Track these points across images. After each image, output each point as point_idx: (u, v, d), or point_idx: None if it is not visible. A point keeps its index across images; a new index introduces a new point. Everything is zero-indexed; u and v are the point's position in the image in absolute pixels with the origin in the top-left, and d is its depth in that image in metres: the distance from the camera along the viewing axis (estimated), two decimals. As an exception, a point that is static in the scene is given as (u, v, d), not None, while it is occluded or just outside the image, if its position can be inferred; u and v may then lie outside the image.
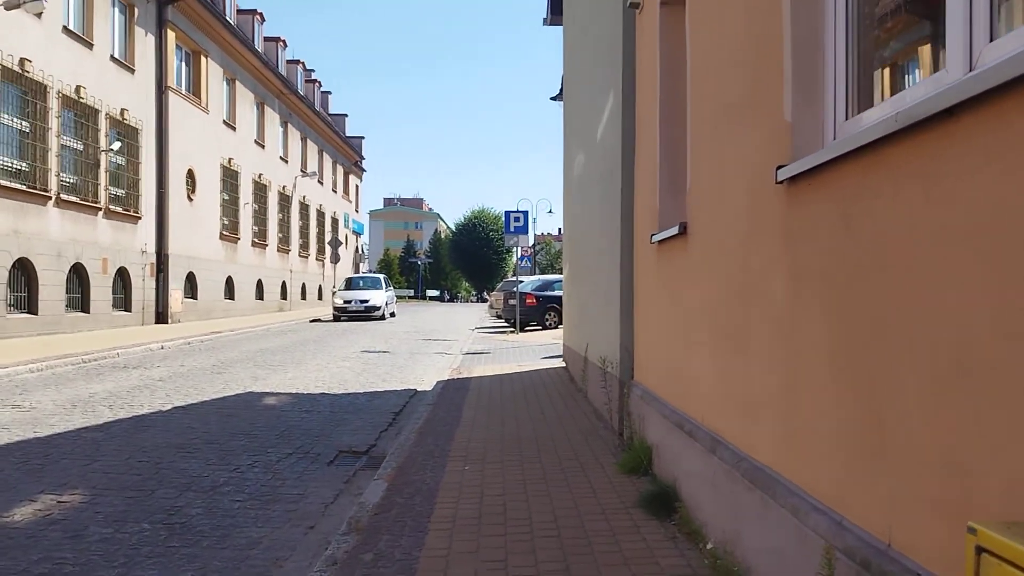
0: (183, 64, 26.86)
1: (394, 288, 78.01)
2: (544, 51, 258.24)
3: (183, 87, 26.53)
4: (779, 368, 3.35)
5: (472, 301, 75.54)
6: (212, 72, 28.43)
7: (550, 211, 55.90)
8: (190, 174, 26.45)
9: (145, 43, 23.71)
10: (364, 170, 58.01)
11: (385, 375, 12.83)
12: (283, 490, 5.86)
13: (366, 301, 31.03)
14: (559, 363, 13.87)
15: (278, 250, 36.06)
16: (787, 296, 3.25)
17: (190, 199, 26.41)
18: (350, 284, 33.97)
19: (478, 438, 7.23)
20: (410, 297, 72.47)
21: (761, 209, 3.52)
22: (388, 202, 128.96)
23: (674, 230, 5.10)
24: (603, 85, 8.23)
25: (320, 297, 43.35)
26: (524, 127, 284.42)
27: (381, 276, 35.64)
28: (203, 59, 27.73)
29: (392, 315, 33.83)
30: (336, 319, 30.70)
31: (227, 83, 30.31)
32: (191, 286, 26.68)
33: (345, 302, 31.03)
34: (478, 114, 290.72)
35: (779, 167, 3.23)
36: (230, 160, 29.89)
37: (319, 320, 30.58)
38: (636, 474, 5.66)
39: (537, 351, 16.90)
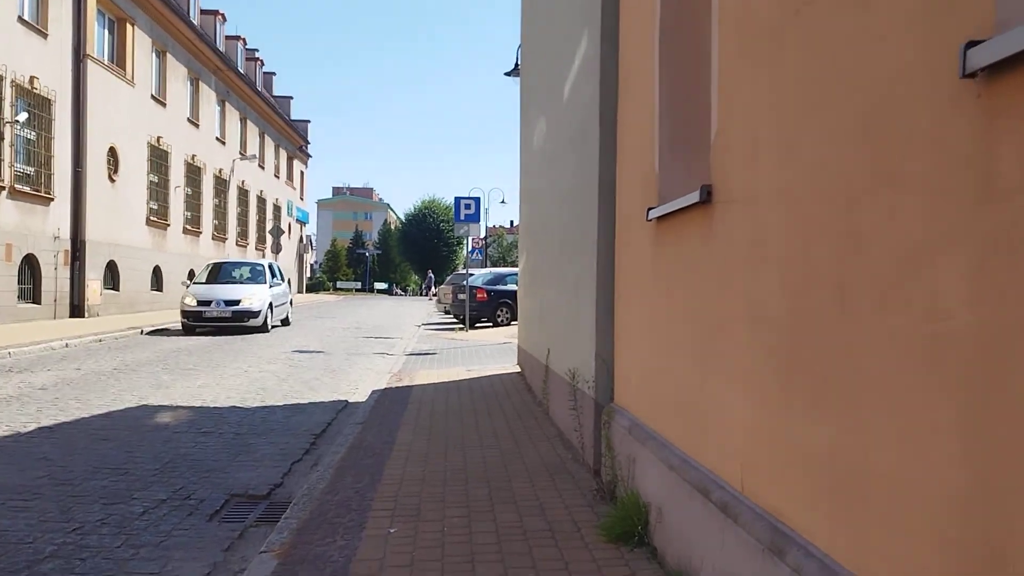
0: (106, 31, 24.58)
1: (342, 280, 75.63)
2: (499, 31, 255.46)
3: (105, 57, 24.27)
4: (944, 435, 1.78)
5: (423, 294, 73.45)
6: (140, 42, 26.15)
7: (503, 201, 54.05)
8: (112, 152, 24.21)
9: (61, 6, 21.43)
10: (309, 155, 55.62)
11: (313, 382, 11.09)
12: (133, 565, 4.15)
13: (235, 302, 19.54)
14: (513, 367, 12.28)
15: (213, 238, 33.83)
16: (976, 300, 1.68)
17: (112, 180, 24.18)
18: (215, 274, 21.71)
19: (413, 476, 5.58)
20: (357, 290, 70.09)
21: (910, 134, 1.93)
22: (337, 191, 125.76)
23: (690, 199, 3.51)
24: (573, 27, 6.62)
25: (260, 288, 41.11)
26: (479, 115, 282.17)
27: (267, 263, 22.96)
28: (129, 27, 25.46)
29: (284, 322, 22.56)
30: (187, 330, 19.37)
31: (157, 55, 28.03)
32: (112, 276, 24.49)
33: (200, 303, 19.52)
34: (432, 103, 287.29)
35: (969, 44, 1.65)
36: (159, 139, 27.64)
37: (164, 331, 19.50)
38: (627, 544, 4.06)
39: (488, 352, 15.29)
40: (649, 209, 4.28)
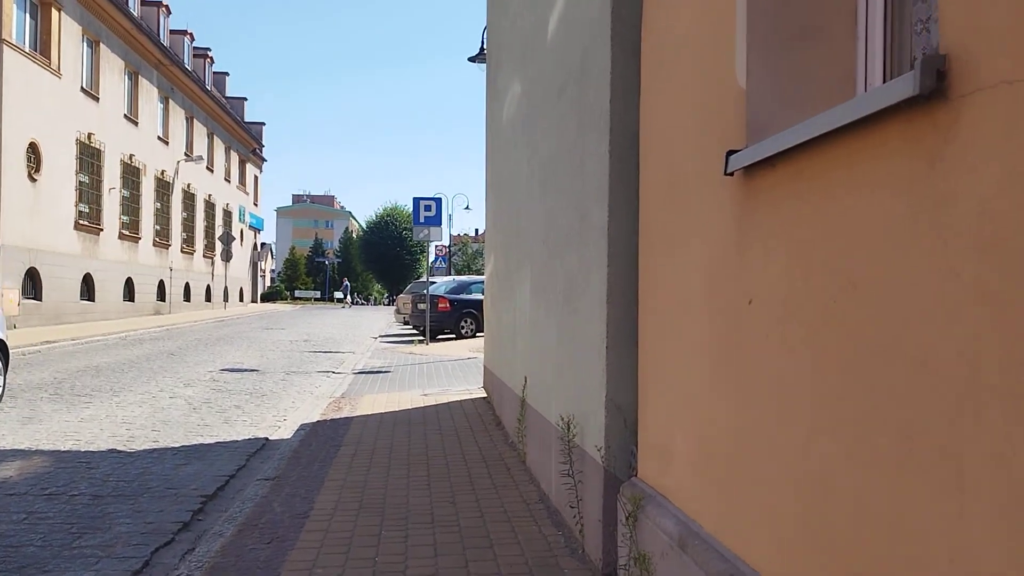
0: (27, 16, 22.19)
1: (301, 289, 72.32)
2: (462, 26, 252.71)
3: (26, 43, 21.90)
4: None
5: (385, 304, 70.88)
6: (67, 29, 23.81)
7: (467, 207, 52.07)
8: (33, 148, 21.82)
9: (-29, -16, 19.16)
10: (264, 159, 53.09)
11: (232, 411, 9.03)
12: None
13: None
14: (478, 389, 10.34)
15: (155, 244, 31.40)
16: None
17: (33, 179, 21.79)
18: None
19: (323, 587, 3.61)
20: (316, 299, 67.39)
21: None
22: (297, 199, 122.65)
23: (872, 103, 1.62)
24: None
25: (208, 299, 38.62)
26: (443, 118, 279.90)
27: None
28: (55, 12, 23.11)
29: None
30: None
31: (88, 45, 25.69)
32: (33, 284, 22.08)
33: None
34: (396, 108, 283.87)
35: None
36: (90, 136, 25.27)
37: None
38: None
39: (449, 370, 13.32)
40: (729, 155, 2.39)
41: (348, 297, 55.81)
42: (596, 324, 3.84)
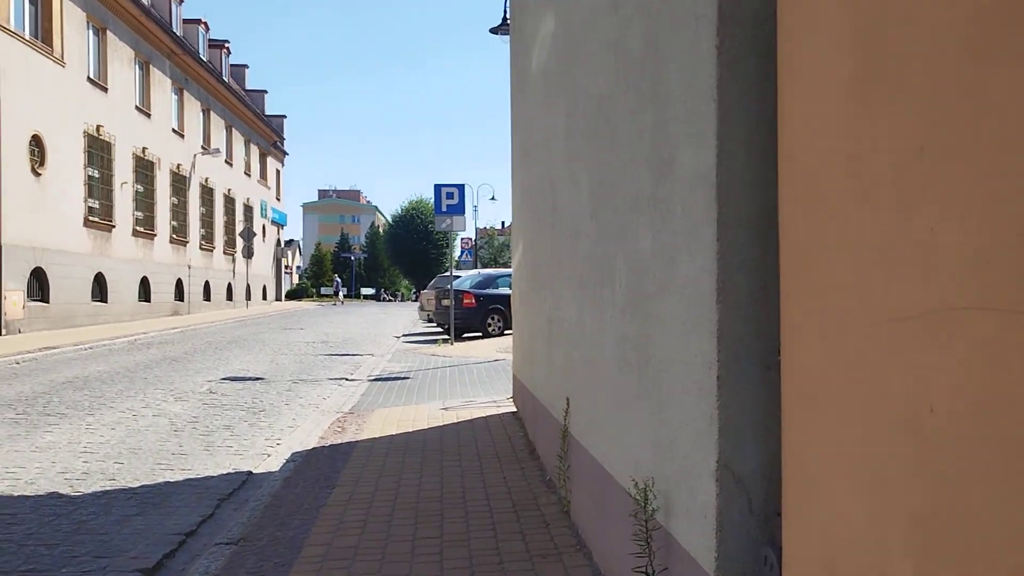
0: (26, 1, 21.04)
1: (327, 286, 70.94)
2: (485, 21, 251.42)
3: (26, 30, 20.76)
4: None
5: (412, 300, 69.48)
6: (70, 16, 22.63)
7: (492, 198, 50.48)
8: (36, 141, 20.68)
9: (-36, -32, 18.01)
10: (286, 152, 51.96)
11: (218, 434, 7.64)
12: None
13: None
14: (506, 401, 8.89)
15: (171, 241, 30.28)
16: None
17: (37, 173, 20.65)
18: None
19: None
20: (345, 296, 66.26)
21: None
22: (323, 194, 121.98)
23: None
24: None
25: (229, 298, 37.54)
26: (469, 108, 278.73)
27: None
28: (56, -1, 21.97)
29: None
30: None
31: (95, 32, 24.54)
32: (40, 285, 20.97)
33: None
34: (421, 101, 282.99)
35: None
36: (99, 128, 24.11)
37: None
38: None
39: (475, 375, 11.89)
40: None
41: (339, 294, 55.37)
42: (693, 337, 2.36)
